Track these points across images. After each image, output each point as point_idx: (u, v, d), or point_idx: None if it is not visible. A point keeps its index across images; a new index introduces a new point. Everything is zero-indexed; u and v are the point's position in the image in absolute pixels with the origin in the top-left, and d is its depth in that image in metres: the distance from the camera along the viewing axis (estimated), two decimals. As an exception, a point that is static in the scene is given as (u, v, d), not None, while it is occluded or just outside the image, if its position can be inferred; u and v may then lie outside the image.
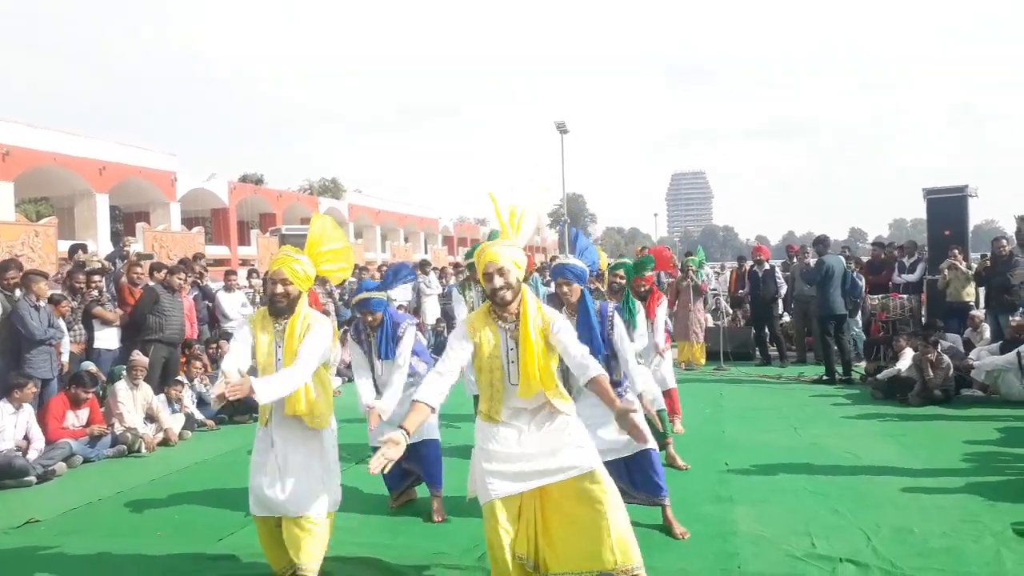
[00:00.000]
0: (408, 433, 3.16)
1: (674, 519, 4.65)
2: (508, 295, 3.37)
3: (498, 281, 3.35)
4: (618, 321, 4.55)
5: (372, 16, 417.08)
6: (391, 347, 5.01)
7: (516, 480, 3.37)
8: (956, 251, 10.70)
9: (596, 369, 3.34)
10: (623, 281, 5.61)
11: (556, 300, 4.58)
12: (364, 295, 5.07)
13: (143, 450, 7.22)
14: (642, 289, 6.42)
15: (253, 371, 3.89)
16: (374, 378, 5.14)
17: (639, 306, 5.73)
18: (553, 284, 4.69)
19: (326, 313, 11.41)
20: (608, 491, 3.36)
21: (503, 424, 3.47)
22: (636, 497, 4.59)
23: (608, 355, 4.42)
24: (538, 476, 3.37)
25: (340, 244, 4.06)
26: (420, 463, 5.16)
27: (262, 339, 3.88)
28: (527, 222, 3.54)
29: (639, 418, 3.09)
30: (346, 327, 10.43)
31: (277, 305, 3.86)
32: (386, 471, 3.10)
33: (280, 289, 3.85)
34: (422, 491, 5.40)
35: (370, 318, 5.05)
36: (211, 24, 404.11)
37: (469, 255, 7.36)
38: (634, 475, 4.58)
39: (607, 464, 4.47)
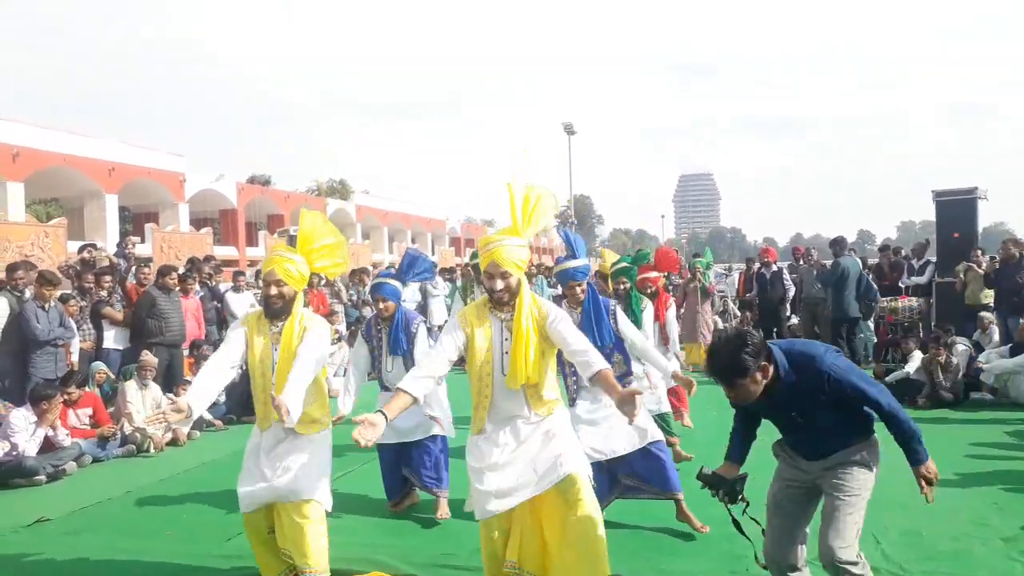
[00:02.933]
0: (387, 417, 3.09)
1: (691, 513, 4.66)
2: (506, 297, 3.38)
3: (499, 284, 3.36)
4: (621, 314, 4.71)
5: (376, 15, 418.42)
6: (402, 341, 4.97)
7: (502, 497, 3.35)
8: (978, 252, 10.59)
9: (600, 363, 3.29)
10: (627, 286, 5.59)
11: (563, 301, 4.61)
12: (379, 279, 5.11)
13: (152, 450, 7.25)
14: (648, 291, 6.42)
15: (246, 376, 3.87)
16: (381, 376, 5.12)
17: (646, 304, 5.73)
18: (562, 288, 4.73)
19: (333, 313, 11.43)
20: (584, 499, 3.33)
21: (488, 436, 3.45)
22: (648, 490, 4.62)
23: (611, 350, 4.46)
24: (522, 489, 3.35)
25: (332, 239, 3.93)
26: (420, 464, 5.08)
27: (257, 341, 3.78)
28: (542, 209, 3.45)
29: (641, 401, 3.07)
30: (355, 327, 10.46)
31: (272, 307, 3.75)
32: (367, 445, 3.02)
33: (274, 291, 3.73)
34: (424, 494, 5.32)
35: (382, 305, 5.01)
36: (215, 24, 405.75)
37: (475, 256, 7.38)
38: (643, 469, 4.63)
39: (614, 461, 4.52)
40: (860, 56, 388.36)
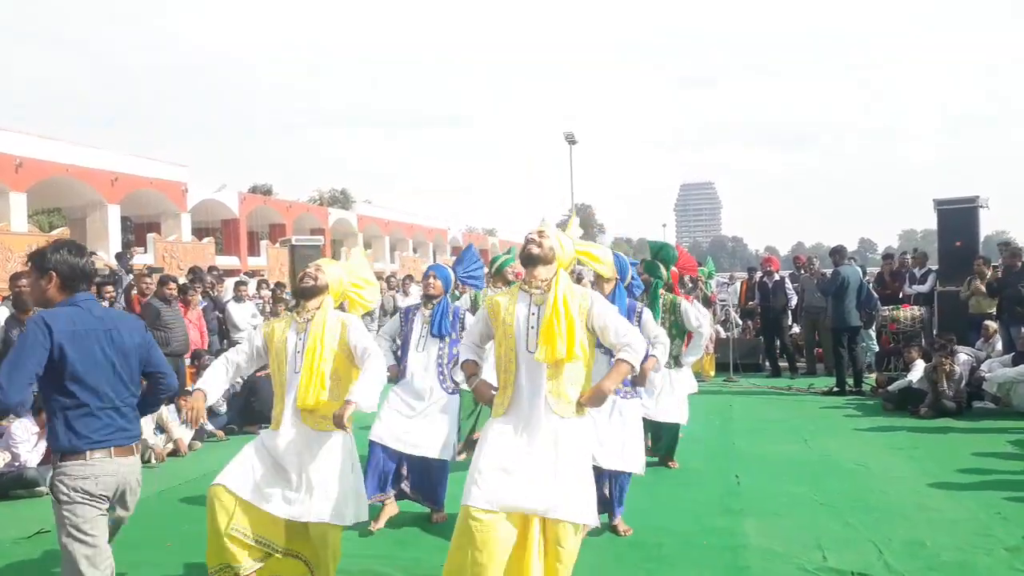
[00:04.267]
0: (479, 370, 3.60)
1: (621, 524, 4.86)
2: (535, 250, 3.47)
3: (534, 249, 3.49)
4: (647, 315, 4.90)
5: (379, 26, 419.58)
6: (446, 323, 5.02)
7: (501, 492, 3.25)
8: (979, 261, 10.59)
9: (629, 353, 3.34)
10: (650, 280, 5.98)
11: None
12: (434, 265, 5.33)
13: (153, 460, 7.24)
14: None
15: (248, 386, 3.89)
16: (406, 356, 5.06)
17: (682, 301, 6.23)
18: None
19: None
20: (566, 550, 3.30)
21: (505, 422, 3.40)
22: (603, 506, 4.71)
23: None
24: (516, 503, 3.27)
25: (371, 277, 4.22)
26: (423, 483, 5.07)
27: (278, 338, 3.85)
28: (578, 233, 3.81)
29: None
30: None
31: (303, 285, 3.88)
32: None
33: (312, 271, 3.91)
34: (405, 507, 5.24)
35: (432, 281, 5.10)
36: (217, 34, 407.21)
37: (495, 261, 7.41)
38: (611, 488, 4.75)
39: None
40: (872, 64, 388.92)
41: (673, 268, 6.68)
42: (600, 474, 4.62)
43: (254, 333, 4.07)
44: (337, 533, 3.80)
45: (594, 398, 3.38)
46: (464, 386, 4.99)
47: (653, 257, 6.31)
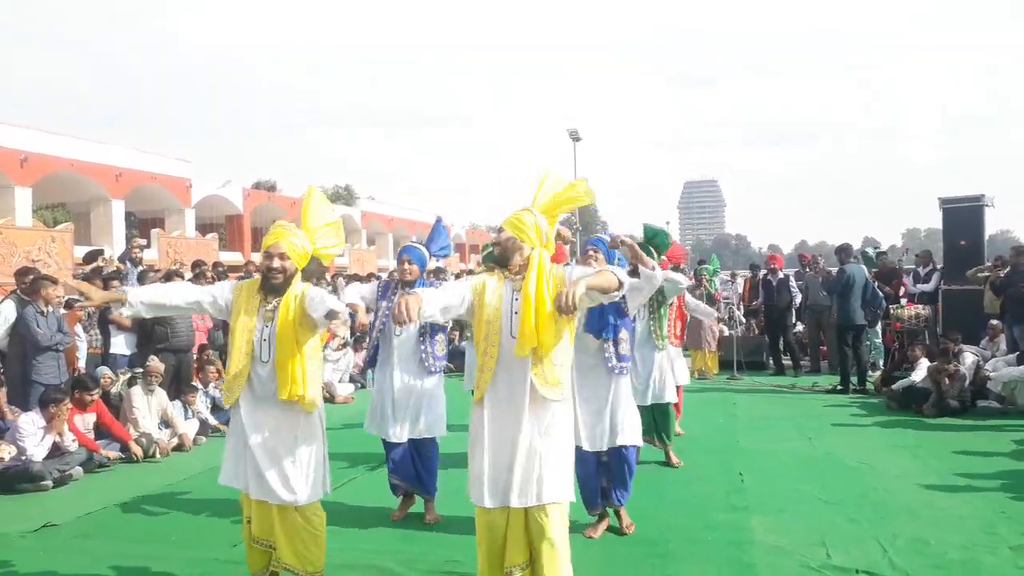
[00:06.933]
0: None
1: (625, 517, 4.82)
2: (496, 251, 3.48)
3: (494, 246, 3.51)
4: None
5: (384, 23, 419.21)
6: None
7: (492, 490, 3.30)
8: (997, 261, 10.56)
9: (615, 273, 3.31)
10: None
11: None
12: (408, 245, 5.15)
13: (158, 455, 7.25)
14: None
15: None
16: (389, 345, 4.97)
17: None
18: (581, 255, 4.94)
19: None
20: (553, 533, 3.27)
21: (485, 410, 3.36)
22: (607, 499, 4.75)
23: (617, 327, 4.53)
24: (500, 494, 3.29)
25: (333, 217, 3.85)
26: (412, 468, 5.05)
27: (243, 314, 3.60)
28: (552, 184, 3.57)
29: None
30: (361, 333, 10.44)
31: (273, 282, 3.56)
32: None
33: (277, 264, 3.55)
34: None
35: (407, 267, 4.95)
36: (221, 30, 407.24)
37: (486, 249, 7.44)
38: (611, 469, 4.70)
39: (592, 453, 4.55)
40: (873, 62, 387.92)
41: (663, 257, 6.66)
42: (598, 464, 4.65)
43: (221, 289, 3.78)
44: (310, 512, 3.65)
45: (562, 298, 3.09)
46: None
47: (647, 241, 6.25)
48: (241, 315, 3.62)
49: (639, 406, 4.99)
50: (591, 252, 4.74)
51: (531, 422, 3.31)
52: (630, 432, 4.64)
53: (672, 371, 6.42)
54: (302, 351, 3.56)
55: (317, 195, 3.87)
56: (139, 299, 3.62)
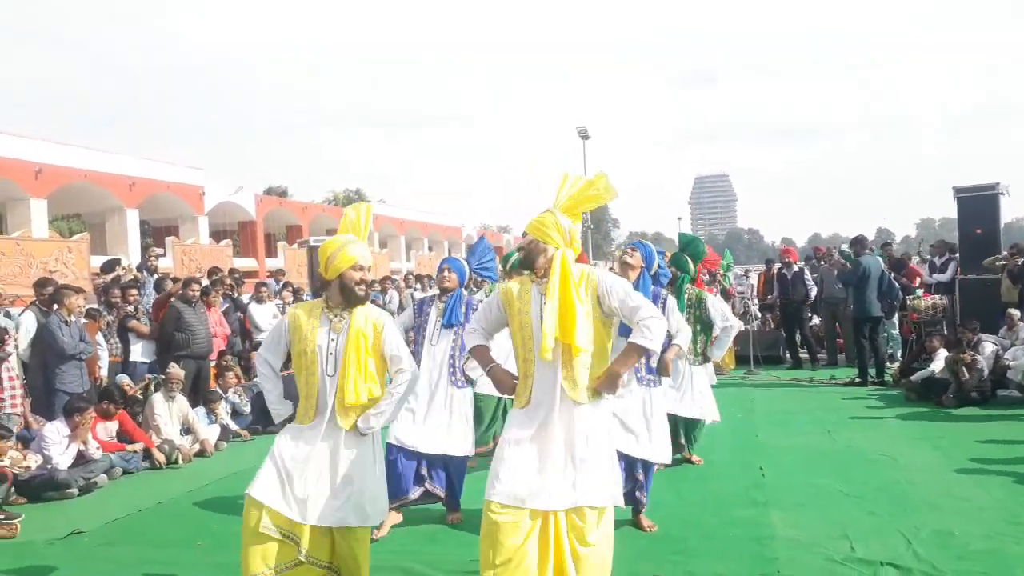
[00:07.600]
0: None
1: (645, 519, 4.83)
2: (521, 256, 3.52)
3: (519, 251, 3.62)
4: (671, 303, 4.95)
5: (392, 27, 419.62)
6: (458, 312, 4.97)
7: (521, 490, 3.21)
8: (1013, 250, 10.48)
9: (644, 335, 3.21)
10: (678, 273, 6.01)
11: None
12: (449, 258, 5.30)
13: (180, 461, 7.32)
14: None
15: (285, 380, 3.86)
16: (420, 349, 5.00)
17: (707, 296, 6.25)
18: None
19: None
20: (592, 537, 3.24)
21: (526, 414, 3.34)
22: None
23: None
24: (533, 497, 3.21)
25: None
26: (444, 482, 5.04)
27: (311, 330, 3.58)
28: (574, 184, 3.52)
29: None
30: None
31: (362, 296, 3.59)
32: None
33: (368, 276, 3.62)
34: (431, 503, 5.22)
35: (446, 274, 5.05)
36: (231, 37, 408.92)
37: (506, 259, 7.45)
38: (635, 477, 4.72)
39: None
40: (884, 53, 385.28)
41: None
42: (624, 466, 4.63)
43: (281, 321, 3.81)
44: (367, 534, 3.71)
45: (606, 382, 3.29)
46: (474, 374, 5.01)
47: (682, 250, 6.30)
48: (305, 329, 3.61)
49: (669, 414, 5.07)
50: (629, 252, 4.74)
51: (564, 426, 3.28)
52: (659, 450, 4.68)
53: (697, 384, 6.35)
54: (367, 368, 3.59)
55: (357, 211, 3.81)
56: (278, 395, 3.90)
